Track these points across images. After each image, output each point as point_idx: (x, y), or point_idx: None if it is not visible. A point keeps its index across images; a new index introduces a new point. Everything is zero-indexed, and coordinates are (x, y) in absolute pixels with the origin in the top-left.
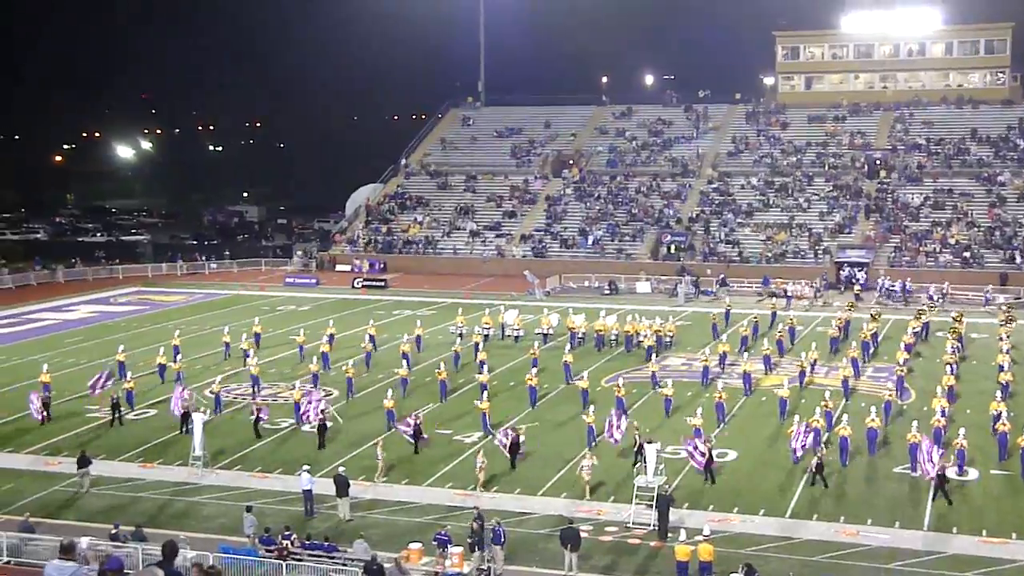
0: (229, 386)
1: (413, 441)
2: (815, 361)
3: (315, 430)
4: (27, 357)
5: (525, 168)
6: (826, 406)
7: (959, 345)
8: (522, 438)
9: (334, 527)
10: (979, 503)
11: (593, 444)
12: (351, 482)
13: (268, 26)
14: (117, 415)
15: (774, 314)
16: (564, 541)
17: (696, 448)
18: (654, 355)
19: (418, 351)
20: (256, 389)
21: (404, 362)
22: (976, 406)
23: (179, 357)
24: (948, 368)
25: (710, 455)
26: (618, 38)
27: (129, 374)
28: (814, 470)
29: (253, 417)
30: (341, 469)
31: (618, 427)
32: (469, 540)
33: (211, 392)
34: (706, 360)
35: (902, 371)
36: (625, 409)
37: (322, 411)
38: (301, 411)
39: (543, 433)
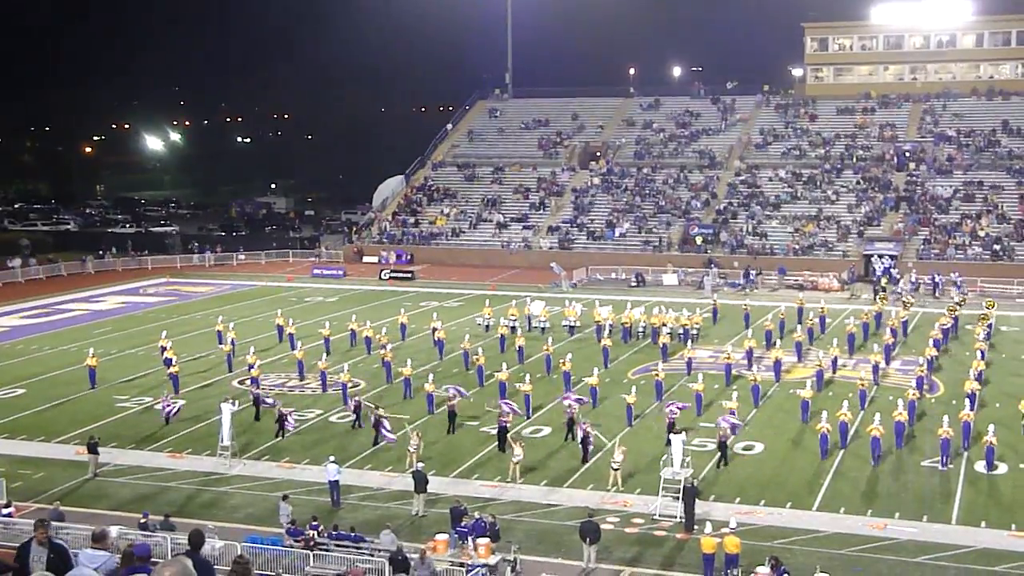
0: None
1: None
2: (835, 358)
3: (352, 421)
4: (58, 347)
5: (552, 160)
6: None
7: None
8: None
9: (360, 518)
10: (1008, 497)
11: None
12: (381, 473)
13: (296, 19)
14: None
15: (800, 309)
16: (583, 535)
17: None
18: (689, 342)
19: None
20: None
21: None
22: (1005, 401)
23: (299, 342)
24: (979, 353)
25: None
26: (646, 29)
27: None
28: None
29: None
30: (419, 465)
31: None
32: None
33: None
34: (728, 357)
35: (922, 371)
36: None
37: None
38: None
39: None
